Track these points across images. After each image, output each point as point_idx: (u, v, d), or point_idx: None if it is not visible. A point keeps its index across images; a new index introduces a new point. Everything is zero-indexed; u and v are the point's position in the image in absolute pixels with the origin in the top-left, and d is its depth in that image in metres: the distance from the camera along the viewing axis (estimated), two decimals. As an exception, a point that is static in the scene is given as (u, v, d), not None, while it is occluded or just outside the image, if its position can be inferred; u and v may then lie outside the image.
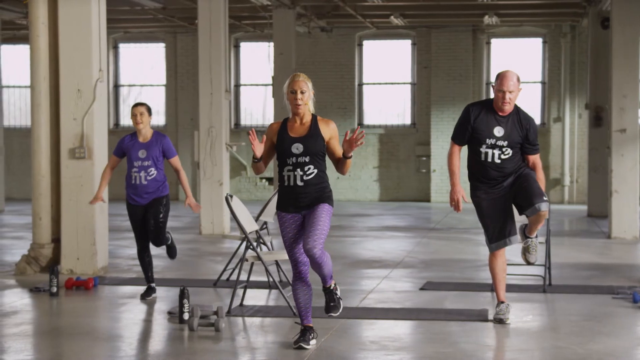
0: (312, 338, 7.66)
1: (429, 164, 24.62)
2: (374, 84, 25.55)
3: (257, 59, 25.57)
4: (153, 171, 9.91)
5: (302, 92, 7.50)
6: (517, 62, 24.81)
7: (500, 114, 8.44)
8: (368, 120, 25.65)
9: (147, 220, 9.99)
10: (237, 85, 26.04)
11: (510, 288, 10.33)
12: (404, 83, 25.39)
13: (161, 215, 10.02)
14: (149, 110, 10.13)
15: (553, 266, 12.34)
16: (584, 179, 23.50)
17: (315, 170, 7.48)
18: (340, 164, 7.61)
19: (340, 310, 7.65)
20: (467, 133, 8.49)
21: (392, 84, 25.46)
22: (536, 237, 8.50)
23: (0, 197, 21.91)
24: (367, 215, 20.73)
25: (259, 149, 7.56)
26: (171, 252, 10.48)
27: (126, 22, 24.69)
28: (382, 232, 17.10)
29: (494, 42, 24.96)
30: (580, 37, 23.99)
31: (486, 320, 8.66)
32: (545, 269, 10.49)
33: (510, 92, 8.33)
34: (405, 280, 11.27)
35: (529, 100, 24.85)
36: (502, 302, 8.63)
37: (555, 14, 23.01)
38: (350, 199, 25.26)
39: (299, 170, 7.46)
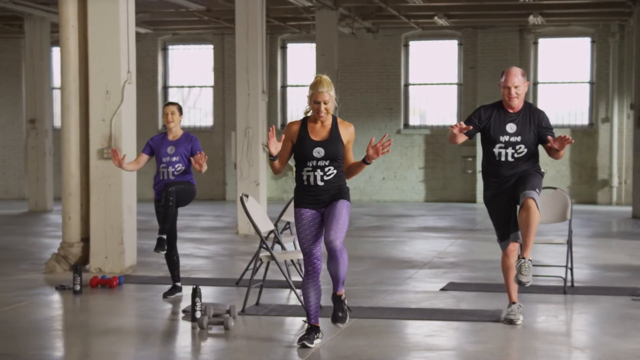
0: (317, 338, 7.70)
1: (474, 165, 24.51)
2: (420, 84, 25.52)
3: (305, 60, 25.70)
4: (181, 167, 10.07)
5: (325, 103, 7.59)
6: (565, 62, 24.64)
7: (511, 110, 8.50)
8: (413, 120, 25.63)
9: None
10: (284, 87, 26.18)
11: (531, 289, 10.27)
12: (450, 84, 25.32)
13: (180, 187, 9.88)
14: (180, 109, 10.33)
15: (583, 267, 12.29)
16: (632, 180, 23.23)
17: (335, 171, 7.62)
18: (353, 168, 7.70)
19: (347, 322, 7.71)
20: (474, 126, 8.48)
21: (438, 84, 25.41)
22: (530, 260, 8.22)
23: (49, 197, 22.34)
24: (409, 216, 20.71)
25: (275, 147, 7.64)
26: (159, 245, 10.00)
27: (174, 24, 25.00)
28: (419, 233, 17.08)
29: (542, 42, 24.78)
30: (629, 37, 23.70)
31: (497, 321, 8.63)
32: (567, 269, 10.40)
33: (515, 87, 8.39)
34: (428, 281, 11.27)
35: (576, 100, 24.65)
36: (514, 303, 8.61)
37: (602, 14, 22.78)
38: (395, 199, 25.25)
39: (319, 170, 7.58)
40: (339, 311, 7.67)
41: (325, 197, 7.56)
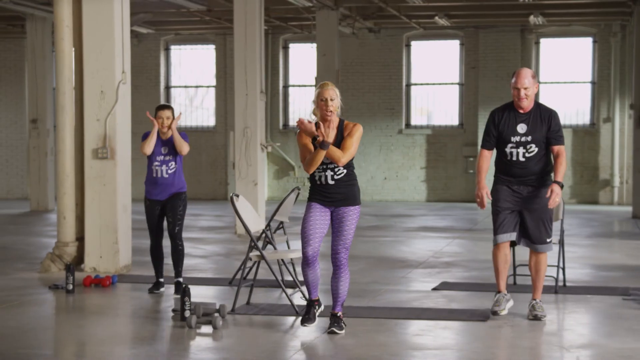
0: (317, 311, 8.12)
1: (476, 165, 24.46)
2: (421, 84, 25.52)
3: (306, 60, 25.70)
4: (174, 165, 10.20)
5: (331, 100, 7.86)
6: (567, 62, 24.61)
7: (521, 111, 8.67)
8: (415, 120, 25.62)
9: (167, 214, 10.22)
10: (286, 87, 26.20)
11: (523, 289, 10.27)
12: (452, 83, 25.32)
13: (180, 209, 10.24)
14: (173, 113, 10.41)
15: (579, 267, 12.29)
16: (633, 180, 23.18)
17: (345, 170, 7.95)
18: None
19: (342, 332, 8.03)
20: (494, 137, 8.73)
21: (439, 84, 25.41)
22: (540, 301, 8.79)
23: (50, 197, 22.38)
24: (409, 216, 20.71)
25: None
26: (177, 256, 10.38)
27: (176, 24, 25.02)
28: (417, 233, 17.09)
29: (543, 41, 24.75)
30: (630, 37, 23.64)
31: (485, 320, 8.64)
32: (558, 269, 10.41)
33: (525, 88, 8.55)
34: (421, 281, 11.28)
35: (578, 100, 24.62)
36: (499, 292, 8.77)
37: (604, 13, 22.75)
38: (397, 199, 25.25)
39: (329, 171, 7.92)
40: (334, 323, 8.03)
41: (336, 195, 7.92)
